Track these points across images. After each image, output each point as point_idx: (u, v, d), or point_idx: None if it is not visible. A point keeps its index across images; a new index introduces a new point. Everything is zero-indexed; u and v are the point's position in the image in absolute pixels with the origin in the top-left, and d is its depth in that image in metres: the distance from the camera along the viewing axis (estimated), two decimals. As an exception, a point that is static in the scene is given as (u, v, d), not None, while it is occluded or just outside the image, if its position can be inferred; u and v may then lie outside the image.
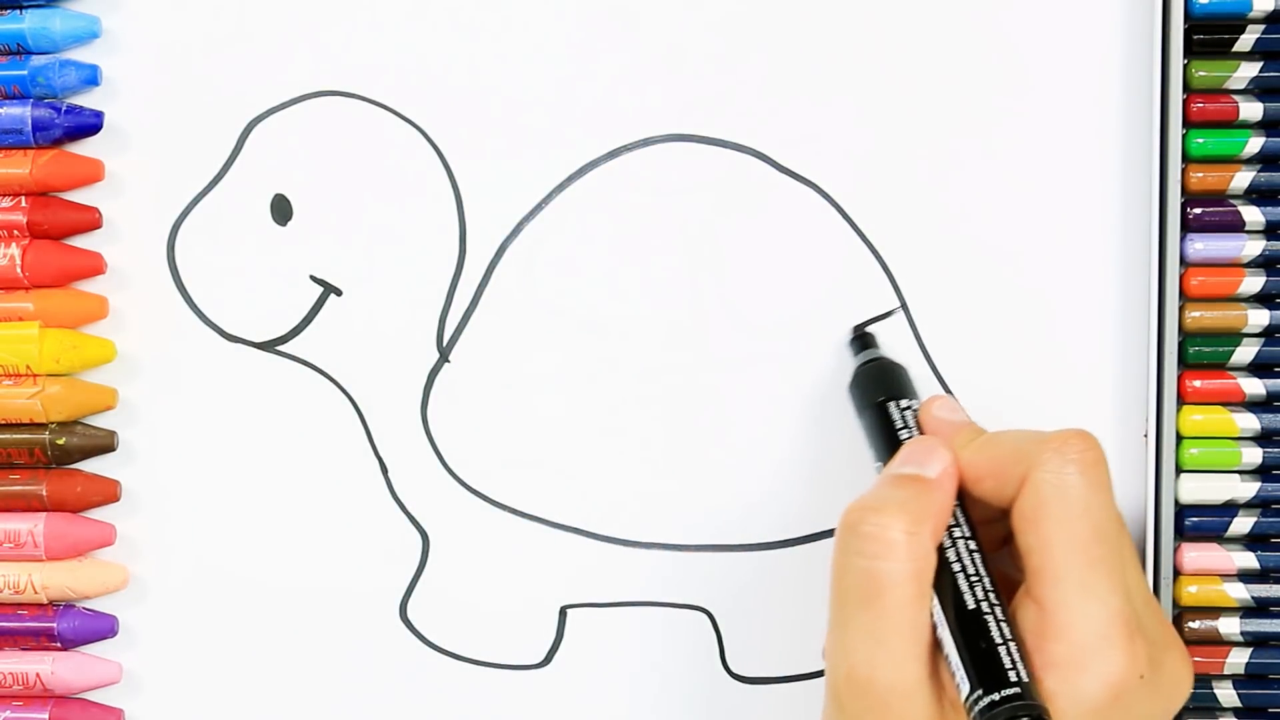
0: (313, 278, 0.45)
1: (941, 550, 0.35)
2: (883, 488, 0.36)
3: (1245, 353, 0.43)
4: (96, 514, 0.45)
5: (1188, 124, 0.43)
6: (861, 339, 0.43)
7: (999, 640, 0.34)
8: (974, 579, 0.35)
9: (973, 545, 0.35)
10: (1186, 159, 0.43)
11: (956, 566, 0.35)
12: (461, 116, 0.44)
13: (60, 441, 0.44)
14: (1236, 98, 0.43)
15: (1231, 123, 0.43)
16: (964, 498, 0.36)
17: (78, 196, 0.45)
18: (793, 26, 0.44)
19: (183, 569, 0.45)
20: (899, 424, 0.39)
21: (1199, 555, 0.43)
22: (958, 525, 0.36)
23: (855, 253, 0.44)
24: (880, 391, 0.40)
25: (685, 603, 0.45)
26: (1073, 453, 0.35)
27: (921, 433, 0.39)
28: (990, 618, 0.34)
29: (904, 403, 0.40)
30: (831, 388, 0.44)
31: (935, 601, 0.34)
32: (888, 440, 0.39)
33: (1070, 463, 0.35)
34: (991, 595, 0.34)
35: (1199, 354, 0.43)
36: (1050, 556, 0.34)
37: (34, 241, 0.44)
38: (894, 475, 0.36)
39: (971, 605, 0.34)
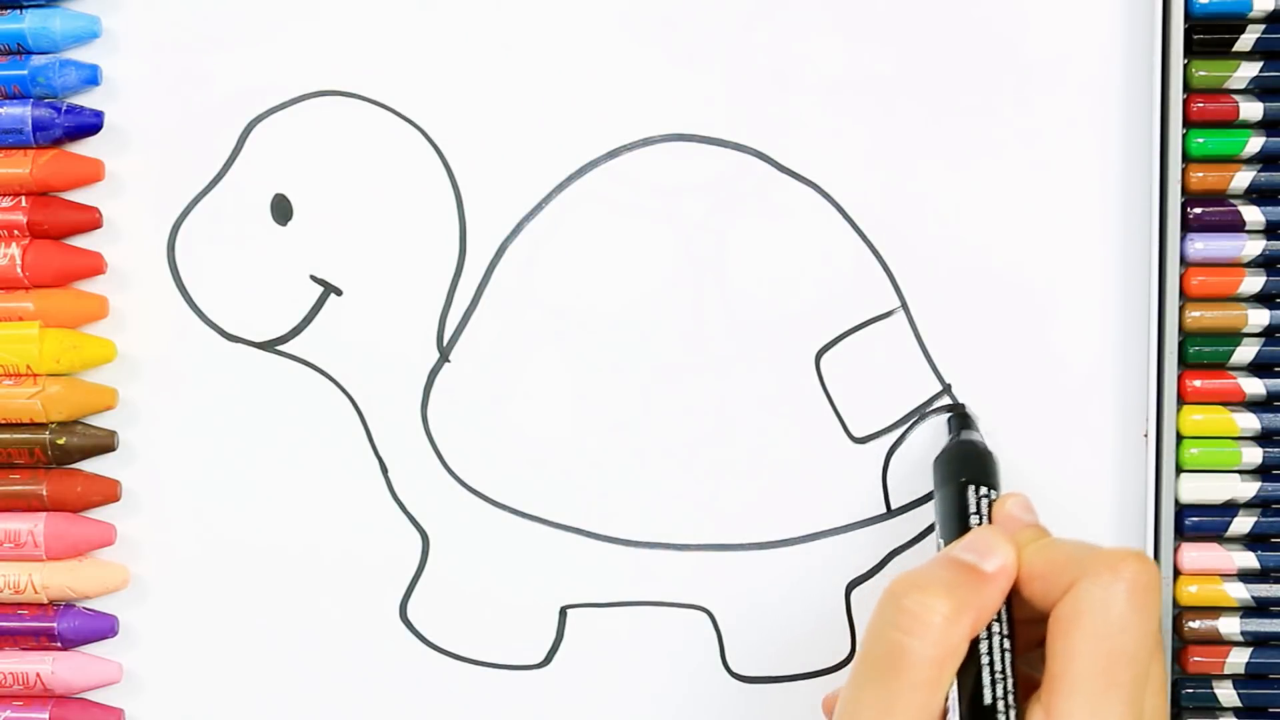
0: (313, 278, 0.45)
1: (975, 642, 0.35)
2: (936, 568, 0.36)
3: (1245, 353, 0.43)
4: (96, 514, 0.45)
5: (1188, 124, 0.43)
6: (961, 418, 0.43)
7: None
8: (998, 676, 0.34)
9: (1006, 644, 0.35)
10: (1186, 159, 0.43)
11: (985, 660, 0.35)
12: (461, 116, 0.44)
13: (60, 441, 0.44)
14: (1236, 98, 0.43)
15: (1231, 123, 0.43)
16: (1012, 595, 0.36)
17: (78, 196, 0.45)
18: (793, 26, 0.44)
19: (183, 569, 0.45)
20: (972, 508, 0.39)
21: (1199, 555, 0.43)
22: (998, 620, 0.35)
23: (855, 253, 0.44)
24: (964, 472, 0.40)
25: (685, 603, 0.45)
26: (1127, 571, 0.34)
27: (990, 523, 0.39)
28: (1003, 716, 0.34)
29: (983, 489, 0.39)
30: (832, 387, 0.44)
31: (954, 689, 0.34)
32: (958, 521, 0.39)
33: (1121, 580, 0.34)
34: (1011, 696, 0.34)
35: (1199, 354, 0.43)
36: (1071, 667, 0.33)
37: (34, 241, 0.44)
38: (951, 559, 0.36)
39: (988, 701, 0.34)
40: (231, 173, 0.45)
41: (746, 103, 0.44)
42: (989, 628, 0.35)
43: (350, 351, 0.45)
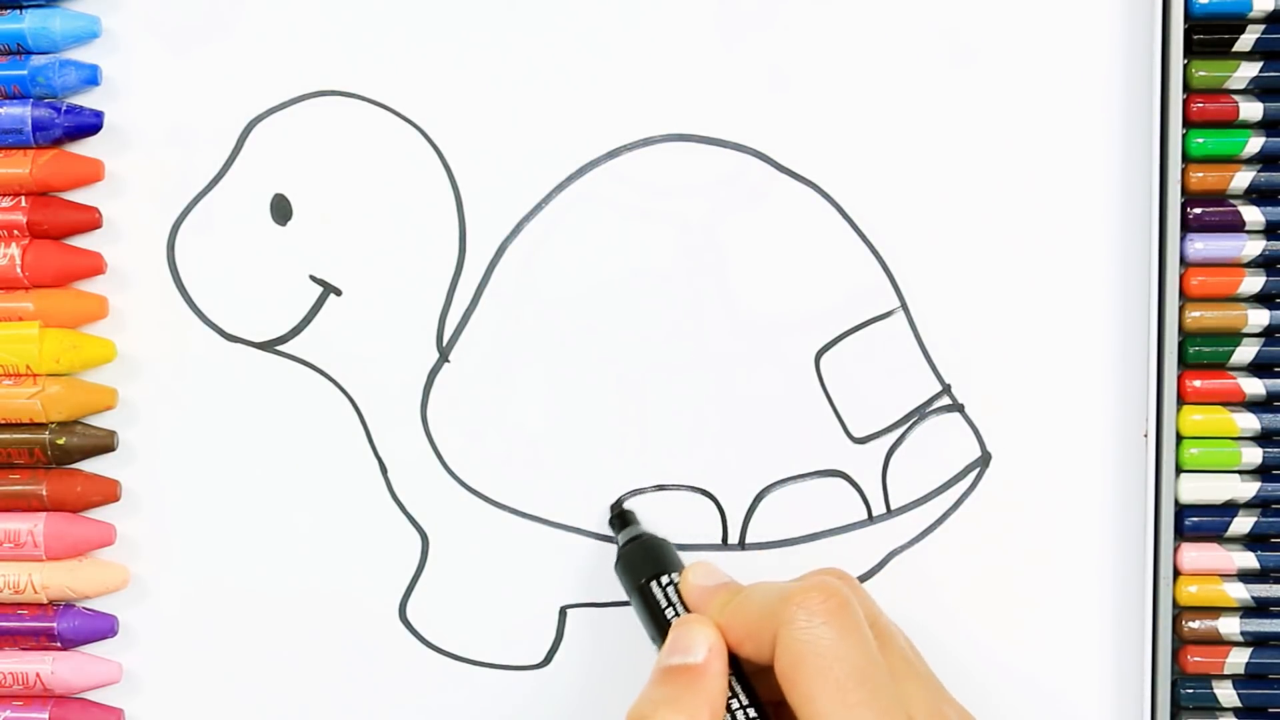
0: (313, 278, 0.45)
1: None
2: (654, 686, 0.36)
3: (1245, 353, 0.43)
4: (96, 514, 0.45)
5: (1188, 124, 0.43)
6: (620, 517, 0.43)
7: None
8: None
9: (752, 712, 0.36)
10: (1186, 159, 0.43)
11: None
12: (461, 116, 0.44)
13: (60, 441, 0.44)
14: (1236, 98, 0.43)
15: (1231, 123, 0.43)
16: (737, 661, 0.37)
17: (78, 196, 0.45)
18: (793, 26, 0.44)
19: (183, 569, 0.45)
20: (663, 603, 0.39)
21: (1199, 555, 0.43)
22: (734, 695, 0.36)
23: (855, 253, 0.44)
24: (641, 572, 0.40)
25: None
26: (816, 605, 0.35)
27: (685, 605, 0.39)
28: None
29: (664, 579, 0.40)
30: (832, 387, 0.44)
31: None
32: (657, 622, 0.39)
33: (815, 614, 0.35)
34: None
35: (1199, 354, 0.43)
36: (814, 709, 0.34)
37: (34, 241, 0.44)
38: (663, 669, 0.37)
39: None
40: (231, 173, 0.45)
41: (746, 103, 0.44)
42: (729, 707, 0.36)
43: (350, 351, 0.45)
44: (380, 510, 0.45)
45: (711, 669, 0.36)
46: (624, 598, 0.44)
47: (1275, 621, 0.43)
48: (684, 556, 0.44)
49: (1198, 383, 0.43)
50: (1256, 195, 0.43)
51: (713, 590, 0.39)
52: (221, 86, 0.44)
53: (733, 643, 0.37)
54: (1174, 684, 0.44)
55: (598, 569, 0.44)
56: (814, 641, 0.35)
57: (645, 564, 0.41)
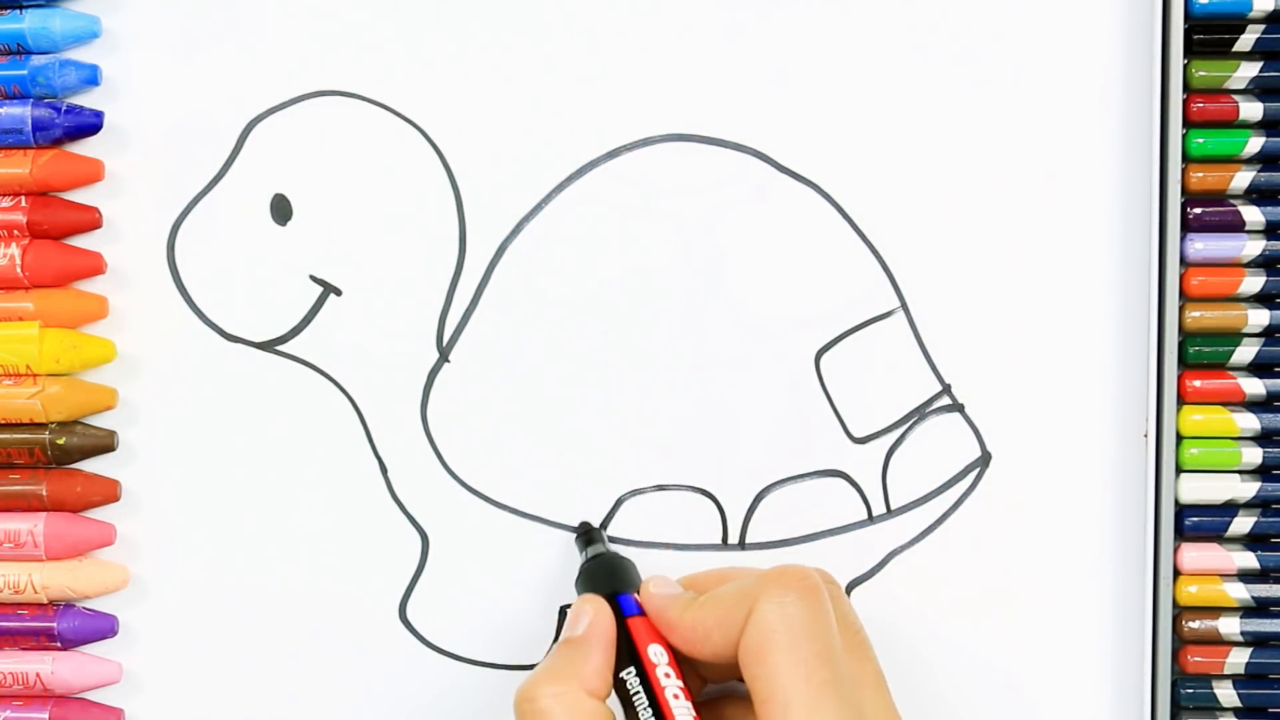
0: (313, 278, 0.45)
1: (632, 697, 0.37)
2: (543, 660, 0.38)
3: (1245, 353, 0.43)
4: (96, 514, 0.45)
5: (1188, 124, 0.43)
6: (586, 535, 0.43)
7: None
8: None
9: (637, 682, 0.37)
10: (1186, 159, 0.43)
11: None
12: (461, 116, 0.44)
13: (60, 441, 0.44)
14: (1236, 98, 0.43)
15: (1231, 123, 0.43)
16: (693, 662, 0.38)
17: (78, 196, 0.45)
18: (793, 26, 0.44)
19: (183, 569, 0.45)
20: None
21: (1199, 555, 0.43)
22: (634, 665, 0.37)
23: (855, 253, 0.44)
24: (600, 590, 0.40)
25: (685, 603, 0.45)
26: (792, 582, 0.36)
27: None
28: None
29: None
30: (832, 387, 0.44)
31: None
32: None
33: (790, 590, 0.36)
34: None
35: (1199, 354, 0.43)
36: (778, 683, 0.34)
37: (34, 241, 0.44)
38: (556, 645, 0.39)
39: None
40: (231, 173, 0.45)
41: (746, 103, 0.44)
42: (619, 676, 0.37)
43: (350, 351, 0.45)
44: (380, 510, 0.45)
45: (590, 640, 0.38)
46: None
47: (1275, 621, 0.43)
48: (684, 557, 0.44)
49: (1198, 383, 0.43)
50: (1256, 195, 0.43)
51: (670, 596, 0.39)
52: (221, 86, 0.44)
53: (698, 638, 0.37)
54: (1174, 684, 0.44)
55: (598, 569, 0.45)
56: (787, 618, 0.35)
57: (604, 581, 0.41)
